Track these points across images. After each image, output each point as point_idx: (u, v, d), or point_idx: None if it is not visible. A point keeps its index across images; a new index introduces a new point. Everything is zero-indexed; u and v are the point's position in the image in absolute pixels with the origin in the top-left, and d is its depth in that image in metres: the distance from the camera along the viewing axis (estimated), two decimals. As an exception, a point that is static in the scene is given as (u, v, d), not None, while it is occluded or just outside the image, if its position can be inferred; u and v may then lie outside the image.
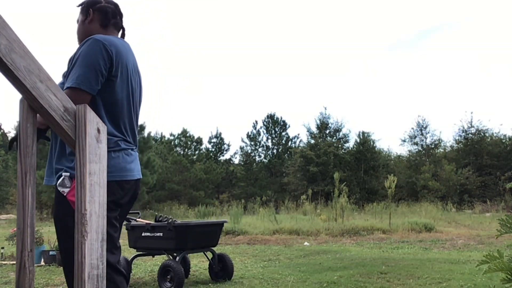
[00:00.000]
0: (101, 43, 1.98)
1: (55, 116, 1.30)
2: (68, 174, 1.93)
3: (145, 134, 24.92)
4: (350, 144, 33.35)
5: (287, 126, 37.85)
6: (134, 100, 2.19)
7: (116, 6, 2.29)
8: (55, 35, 49.98)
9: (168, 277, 4.68)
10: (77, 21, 2.28)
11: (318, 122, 34.10)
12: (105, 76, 1.99)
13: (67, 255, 1.96)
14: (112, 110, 2.05)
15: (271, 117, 37.89)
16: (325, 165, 30.00)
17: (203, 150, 37.87)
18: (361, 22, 47.58)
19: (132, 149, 2.16)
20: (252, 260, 6.88)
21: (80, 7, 2.26)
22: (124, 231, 6.07)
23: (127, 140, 2.12)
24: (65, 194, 1.92)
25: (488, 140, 28.82)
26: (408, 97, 49.16)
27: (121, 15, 2.31)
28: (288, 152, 36.56)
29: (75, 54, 2.03)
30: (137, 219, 5.45)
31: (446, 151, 30.97)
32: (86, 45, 1.99)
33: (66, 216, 1.92)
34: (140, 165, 2.23)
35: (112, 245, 1.97)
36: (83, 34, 2.23)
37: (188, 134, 37.48)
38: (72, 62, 2.01)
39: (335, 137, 33.63)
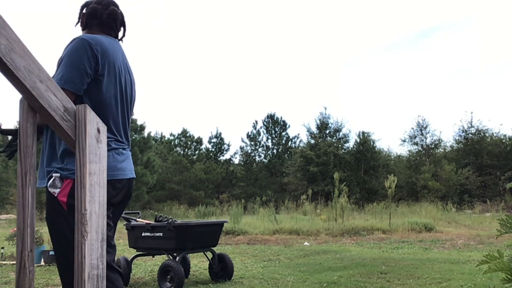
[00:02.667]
0: (86, 42, 1.98)
1: (55, 116, 1.30)
2: (58, 174, 1.93)
3: (145, 134, 24.84)
4: (350, 144, 33.40)
5: (287, 126, 37.90)
6: (125, 99, 2.17)
7: (104, 6, 2.20)
8: (55, 35, 49.95)
9: (168, 277, 4.68)
10: None
11: (318, 122, 34.13)
12: (91, 75, 1.98)
13: (60, 256, 1.96)
14: (100, 109, 2.03)
15: (271, 117, 37.89)
16: (325, 165, 30.00)
17: (203, 150, 37.85)
18: (361, 21, 47.61)
19: (123, 148, 2.15)
20: (252, 260, 6.87)
21: None
22: (124, 231, 6.07)
23: (118, 140, 2.11)
24: (55, 195, 1.91)
25: (488, 140, 28.80)
26: (408, 97, 49.17)
27: (111, 15, 2.21)
28: (288, 152, 36.56)
29: (62, 54, 2.03)
30: (137, 219, 5.45)
31: (446, 151, 30.96)
32: (71, 44, 1.99)
33: (58, 216, 1.92)
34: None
35: (107, 244, 1.98)
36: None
37: (188, 134, 37.48)
38: (59, 62, 2.02)
39: (335, 137, 33.62)
